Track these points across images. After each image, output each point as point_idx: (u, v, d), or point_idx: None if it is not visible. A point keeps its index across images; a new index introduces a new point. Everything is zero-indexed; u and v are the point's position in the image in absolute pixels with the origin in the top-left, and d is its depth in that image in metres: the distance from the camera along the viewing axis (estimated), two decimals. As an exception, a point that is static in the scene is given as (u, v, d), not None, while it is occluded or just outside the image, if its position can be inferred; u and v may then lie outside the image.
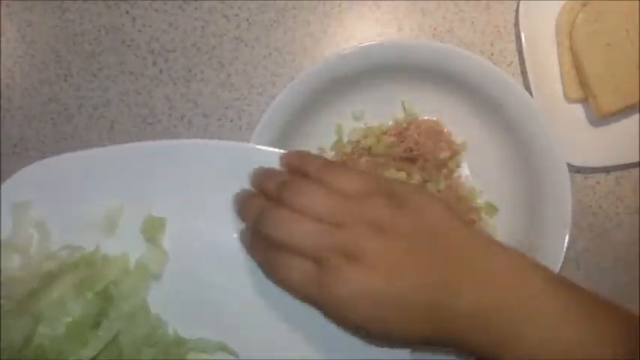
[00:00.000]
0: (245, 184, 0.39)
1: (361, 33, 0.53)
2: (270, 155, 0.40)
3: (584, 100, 0.53)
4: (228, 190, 0.40)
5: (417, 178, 0.50)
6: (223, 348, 0.40)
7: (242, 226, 0.39)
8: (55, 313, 0.38)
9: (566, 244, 0.47)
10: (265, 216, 0.35)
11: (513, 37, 0.54)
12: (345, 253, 0.32)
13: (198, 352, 0.40)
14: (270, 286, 0.38)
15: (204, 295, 0.40)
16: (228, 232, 0.40)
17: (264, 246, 0.36)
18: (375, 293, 0.32)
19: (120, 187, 0.41)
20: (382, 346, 0.36)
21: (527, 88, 0.51)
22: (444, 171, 0.51)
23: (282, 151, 0.40)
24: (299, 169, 0.37)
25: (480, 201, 0.51)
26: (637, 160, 0.52)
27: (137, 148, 0.41)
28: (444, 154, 0.50)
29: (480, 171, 0.52)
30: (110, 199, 0.41)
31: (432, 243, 0.33)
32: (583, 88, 0.52)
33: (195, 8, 0.53)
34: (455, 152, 0.51)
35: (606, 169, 0.54)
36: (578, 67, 0.52)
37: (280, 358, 0.39)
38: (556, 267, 0.47)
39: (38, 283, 0.38)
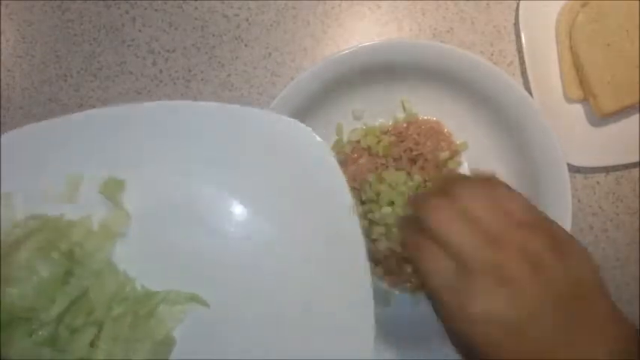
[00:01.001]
0: (208, 139, 0.41)
1: (361, 33, 0.53)
2: (229, 110, 0.41)
3: (584, 100, 0.53)
4: (191, 147, 0.41)
5: (417, 178, 0.50)
6: (194, 298, 0.41)
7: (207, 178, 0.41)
8: (23, 274, 0.39)
9: (566, 244, 0.47)
10: (434, 205, 0.34)
11: (513, 37, 0.54)
12: (497, 274, 0.32)
13: (169, 304, 0.41)
14: (241, 241, 0.40)
15: (172, 251, 0.42)
16: (195, 187, 0.42)
17: (419, 229, 0.35)
18: (511, 324, 0.32)
19: (81, 154, 0.42)
20: None
21: (527, 88, 0.51)
22: (444, 171, 0.51)
23: (243, 107, 0.41)
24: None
25: (480, 201, 0.51)
26: (637, 160, 0.52)
27: (96, 115, 0.42)
28: (444, 154, 0.50)
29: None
30: (71, 168, 0.42)
31: (573, 302, 0.33)
32: (583, 88, 0.52)
33: (196, 8, 0.53)
34: (455, 152, 0.51)
35: (606, 169, 0.54)
36: (578, 67, 0.52)
37: (249, 312, 0.41)
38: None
39: (5, 250, 0.39)
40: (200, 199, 0.42)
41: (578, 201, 0.54)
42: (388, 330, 0.48)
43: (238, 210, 0.42)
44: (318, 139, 0.41)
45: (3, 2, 0.53)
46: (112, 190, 0.42)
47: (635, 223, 0.54)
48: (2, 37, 0.53)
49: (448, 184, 0.35)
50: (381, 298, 0.50)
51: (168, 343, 0.41)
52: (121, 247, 0.42)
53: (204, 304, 0.41)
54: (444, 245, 0.33)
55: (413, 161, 0.50)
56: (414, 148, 0.50)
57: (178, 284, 0.41)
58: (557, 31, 0.52)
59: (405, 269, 0.49)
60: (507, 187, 0.36)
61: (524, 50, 0.51)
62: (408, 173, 0.50)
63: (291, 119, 0.42)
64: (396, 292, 0.50)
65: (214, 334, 0.42)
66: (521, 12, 0.51)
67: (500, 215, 0.34)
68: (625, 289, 0.53)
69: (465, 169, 0.52)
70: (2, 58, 0.53)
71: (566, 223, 0.47)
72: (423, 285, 0.35)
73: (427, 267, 0.34)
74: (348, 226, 0.41)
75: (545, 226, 0.34)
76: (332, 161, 0.41)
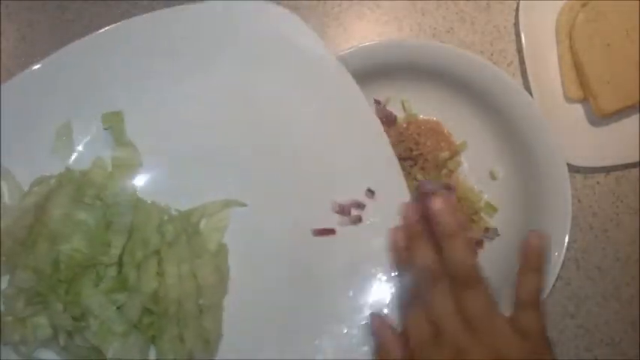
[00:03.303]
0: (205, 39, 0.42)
1: (361, 33, 0.53)
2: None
3: (584, 100, 0.53)
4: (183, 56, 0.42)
5: (418, 178, 0.50)
6: (229, 203, 0.42)
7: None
8: (67, 228, 0.39)
9: (566, 244, 0.47)
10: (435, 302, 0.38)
11: (513, 37, 0.54)
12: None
13: (208, 216, 0.42)
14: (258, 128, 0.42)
15: (193, 169, 0.42)
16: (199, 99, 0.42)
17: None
18: None
19: (63, 101, 0.42)
20: None
21: (527, 88, 0.51)
22: (444, 171, 0.51)
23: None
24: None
25: (480, 201, 0.51)
26: (637, 160, 0.52)
27: (67, 53, 0.42)
28: (443, 154, 0.50)
29: (479, 171, 0.52)
30: (54, 118, 0.42)
31: None
32: (583, 88, 0.52)
33: (195, 8, 0.53)
34: (455, 152, 0.51)
35: (606, 169, 0.54)
36: (578, 67, 0.52)
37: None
38: (556, 267, 0.47)
39: (34, 215, 0.39)
40: (210, 99, 0.42)
41: (578, 201, 0.54)
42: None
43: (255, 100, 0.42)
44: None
45: (3, 2, 0.53)
46: (113, 121, 0.42)
47: (635, 223, 0.54)
48: (2, 37, 0.53)
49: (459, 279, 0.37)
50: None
51: (222, 251, 0.42)
52: (141, 181, 0.42)
53: (241, 204, 0.42)
54: (431, 311, 0.37)
55: (413, 161, 0.50)
56: (414, 148, 0.50)
57: (211, 196, 0.42)
58: (557, 31, 0.52)
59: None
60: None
61: (524, 50, 0.51)
62: (408, 173, 0.49)
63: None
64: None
65: (262, 233, 0.42)
66: (521, 12, 0.51)
67: (491, 318, 0.37)
68: (625, 289, 0.53)
69: (464, 169, 0.52)
70: (2, 58, 0.52)
71: (566, 223, 0.47)
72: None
73: (412, 315, 0.39)
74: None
75: (538, 345, 0.37)
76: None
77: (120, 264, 0.39)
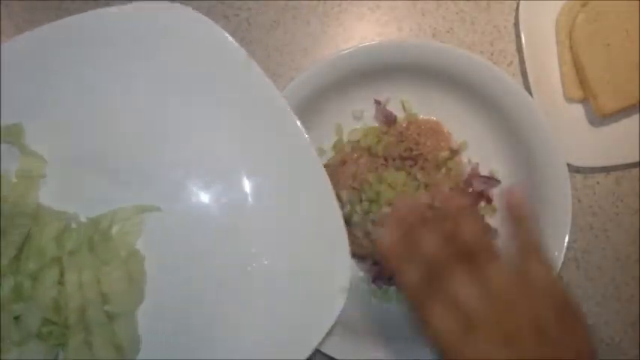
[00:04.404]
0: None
1: (361, 33, 0.53)
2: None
3: (584, 100, 0.53)
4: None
5: (418, 177, 0.50)
6: (143, 208, 0.42)
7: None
8: None
9: (566, 244, 0.47)
10: (456, 271, 0.34)
11: (513, 37, 0.54)
12: (503, 333, 0.33)
13: (121, 222, 0.42)
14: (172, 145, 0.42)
15: (104, 175, 0.42)
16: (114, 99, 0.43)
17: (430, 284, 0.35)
18: None
19: None
20: None
21: (527, 88, 0.51)
22: (444, 171, 0.51)
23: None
24: None
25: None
26: (637, 160, 0.52)
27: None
28: (443, 154, 0.50)
29: (479, 171, 0.52)
30: None
31: None
32: (583, 88, 0.52)
33: (195, 8, 0.53)
34: (455, 152, 0.51)
35: (606, 169, 0.54)
36: (578, 67, 0.52)
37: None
38: (556, 267, 0.47)
39: None
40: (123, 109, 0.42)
41: (578, 201, 0.54)
42: (387, 330, 0.48)
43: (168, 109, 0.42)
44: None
45: (3, 2, 0.53)
46: (13, 135, 0.42)
47: (635, 223, 0.54)
48: (2, 37, 0.53)
49: (474, 250, 0.35)
50: (379, 297, 0.50)
51: (136, 257, 0.42)
52: (50, 191, 0.42)
53: (155, 209, 0.42)
54: (455, 302, 0.34)
55: (413, 161, 0.50)
56: (414, 148, 0.50)
57: (124, 201, 0.42)
58: (557, 31, 0.52)
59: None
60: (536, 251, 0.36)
61: (524, 50, 0.51)
62: (408, 173, 0.49)
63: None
64: (395, 292, 0.50)
65: (178, 238, 0.42)
66: (521, 12, 0.51)
67: (516, 282, 0.34)
68: (625, 289, 0.53)
69: (465, 168, 0.52)
70: (2, 58, 0.52)
71: (566, 223, 0.47)
72: (423, 330, 0.35)
73: (434, 313, 0.34)
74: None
75: (557, 293, 0.35)
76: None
77: (16, 273, 0.39)
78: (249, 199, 0.42)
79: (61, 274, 0.40)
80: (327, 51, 0.53)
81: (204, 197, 0.43)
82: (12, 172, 0.42)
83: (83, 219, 0.42)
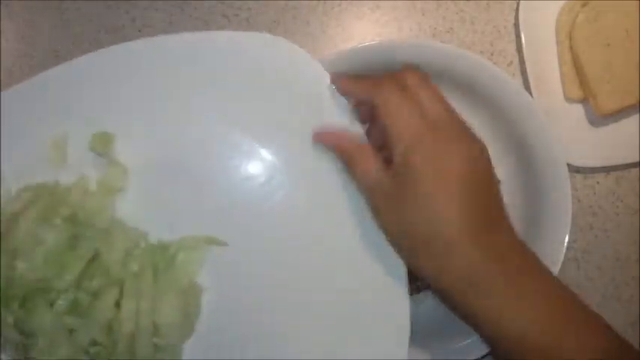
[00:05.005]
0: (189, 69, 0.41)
1: (361, 33, 0.53)
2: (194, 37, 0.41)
3: (584, 100, 0.53)
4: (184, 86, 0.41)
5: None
6: (211, 240, 0.41)
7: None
8: (28, 245, 0.38)
9: (566, 244, 0.47)
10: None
11: (513, 37, 0.54)
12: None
13: (187, 251, 0.41)
14: (251, 181, 0.41)
15: (180, 199, 0.41)
16: (195, 129, 0.41)
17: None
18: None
19: (61, 112, 0.41)
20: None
21: (527, 88, 0.51)
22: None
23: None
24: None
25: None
26: (637, 160, 0.52)
27: (71, 68, 0.41)
28: (443, 154, 0.50)
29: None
30: (54, 129, 0.41)
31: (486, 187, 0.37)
32: (583, 88, 0.52)
33: (195, 8, 0.53)
34: (455, 152, 0.51)
35: (606, 169, 0.54)
36: (578, 67, 0.52)
37: (266, 248, 0.41)
38: (556, 267, 0.47)
39: (5, 225, 0.39)
40: (201, 140, 0.41)
41: (578, 201, 0.54)
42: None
43: (245, 147, 0.41)
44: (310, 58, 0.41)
45: (3, 2, 0.53)
46: (102, 144, 0.41)
47: (635, 223, 0.54)
48: (2, 37, 0.53)
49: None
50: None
51: (194, 290, 0.40)
52: (126, 204, 0.41)
53: (223, 243, 0.41)
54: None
55: (413, 161, 0.50)
56: (414, 148, 0.50)
57: (194, 231, 0.41)
58: (557, 31, 0.52)
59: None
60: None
61: (524, 50, 0.51)
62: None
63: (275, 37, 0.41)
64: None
65: (241, 276, 0.41)
66: (521, 12, 0.51)
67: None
68: (625, 289, 0.53)
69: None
70: (2, 58, 0.52)
71: (566, 223, 0.47)
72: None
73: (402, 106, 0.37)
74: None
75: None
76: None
77: (77, 287, 0.38)
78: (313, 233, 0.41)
79: (120, 297, 0.39)
80: (327, 51, 0.53)
81: (269, 228, 0.41)
82: (92, 179, 0.41)
83: (153, 239, 0.40)
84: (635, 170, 0.54)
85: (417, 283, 0.50)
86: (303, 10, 0.53)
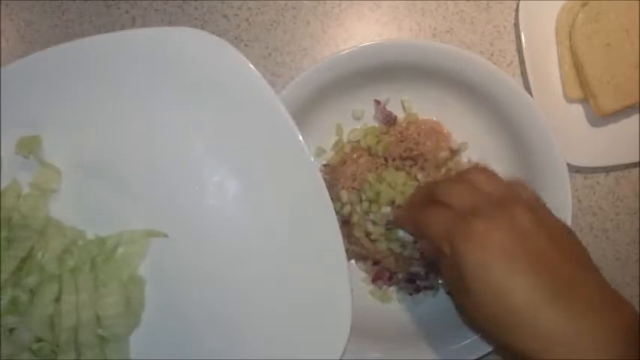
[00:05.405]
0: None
1: (361, 33, 0.53)
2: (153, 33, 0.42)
3: (584, 100, 0.53)
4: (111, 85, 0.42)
5: (418, 177, 0.50)
6: (151, 234, 0.41)
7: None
8: None
9: (566, 244, 0.47)
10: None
11: (513, 37, 0.54)
12: (501, 209, 0.36)
13: (127, 244, 0.41)
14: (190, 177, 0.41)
15: (112, 196, 0.42)
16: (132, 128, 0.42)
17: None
18: (507, 246, 0.35)
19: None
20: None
21: (527, 88, 0.51)
22: (444, 171, 0.51)
23: None
24: None
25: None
26: (637, 160, 0.52)
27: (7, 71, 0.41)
28: (443, 154, 0.50)
29: (479, 171, 0.52)
30: None
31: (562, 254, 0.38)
32: (583, 88, 0.52)
33: (195, 8, 0.53)
34: (455, 152, 0.51)
35: (606, 169, 0.54)
36: (578, 67, 0.52)
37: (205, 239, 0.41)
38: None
39: None
40: (135, 139, 0.42)
41: (578, 201, 0.54)
42: (387, 330, 0.48)
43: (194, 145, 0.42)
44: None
45: (3, 2, 0.53)
46: (28, 147, 0.41)
47: (635, 223, 0.54)
48: (2, 37, 0.53)
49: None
50: (379, 297, 0.50)
51: (136, 282, 0.41)
52: (62, 204, 0.41)
53: (163, 235, 0.41)
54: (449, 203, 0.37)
55: (413, 161, 0.50)
56: (414, 148, 0.50)
57: (133, 227, 0.41)
58: (557, 31, 0.52)
59: (404, 269, 0.49)
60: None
61: (524, 50, 0.51)
62: (408, 173, 0.49)
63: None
64: (395, 292, 0.50)
65: (184, 268, 0.41)
66: (521, 12, 0.51)
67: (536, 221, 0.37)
68: (625, 289, 0.53)
69: (464, 168, 0.52)
70: (2, 58, 0.52)
71: (566, 223, 0.47)
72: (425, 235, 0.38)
73: (430, 219, 0.38)
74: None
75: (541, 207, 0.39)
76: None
77: (15, 286, 0.39)
78: (253, 221, 0.42)
79: (60, 292, 0.39)
80: (327, 51, 0.53)
81: (210, 221, 0.42)
82: (23, 182, 0.42)
83: (90, 236, 0.41)
84: (635, 170, 0.54)
85: (417, 283, 0.50)
86: (303, 10, 0.53)
